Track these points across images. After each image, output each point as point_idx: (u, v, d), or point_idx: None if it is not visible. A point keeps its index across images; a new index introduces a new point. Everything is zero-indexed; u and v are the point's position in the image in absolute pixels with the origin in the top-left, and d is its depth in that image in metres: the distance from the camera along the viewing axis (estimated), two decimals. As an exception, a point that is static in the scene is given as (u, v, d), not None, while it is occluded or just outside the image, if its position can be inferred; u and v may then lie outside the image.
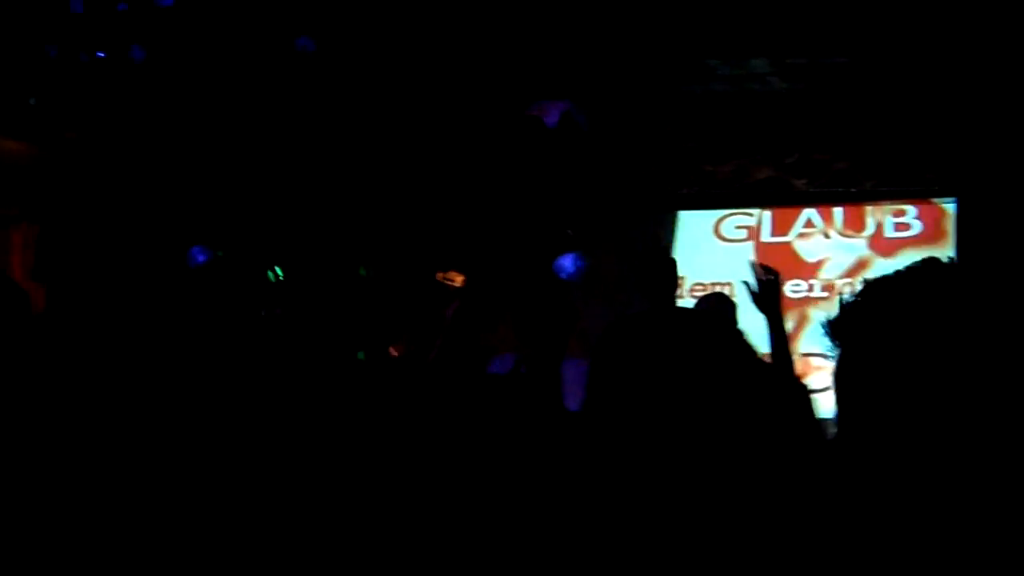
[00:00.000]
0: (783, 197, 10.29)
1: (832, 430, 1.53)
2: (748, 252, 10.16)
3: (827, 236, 10.14)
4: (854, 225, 10.08)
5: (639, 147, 10.29)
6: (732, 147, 10.24)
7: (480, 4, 8.61)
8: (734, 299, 7.28)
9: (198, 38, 9.16)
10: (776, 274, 4.97)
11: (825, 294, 9.90)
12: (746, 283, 5.00)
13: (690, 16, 8.54)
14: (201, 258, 9.90)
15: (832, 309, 1.57)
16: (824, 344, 1.52)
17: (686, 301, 8.92)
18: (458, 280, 10.52)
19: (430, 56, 9.20)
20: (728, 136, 10.16)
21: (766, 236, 10.32)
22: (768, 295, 4.86)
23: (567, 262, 9.64)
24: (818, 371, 8.16)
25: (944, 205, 9.88)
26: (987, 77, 8.92)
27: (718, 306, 6.86)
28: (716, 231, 10.40)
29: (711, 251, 10.28)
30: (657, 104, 9.99)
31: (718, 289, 9.22)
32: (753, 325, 4.22)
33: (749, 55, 9.12)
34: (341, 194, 10.22)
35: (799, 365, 5.87)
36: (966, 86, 9.06)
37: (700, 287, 9.89)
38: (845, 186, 10.07)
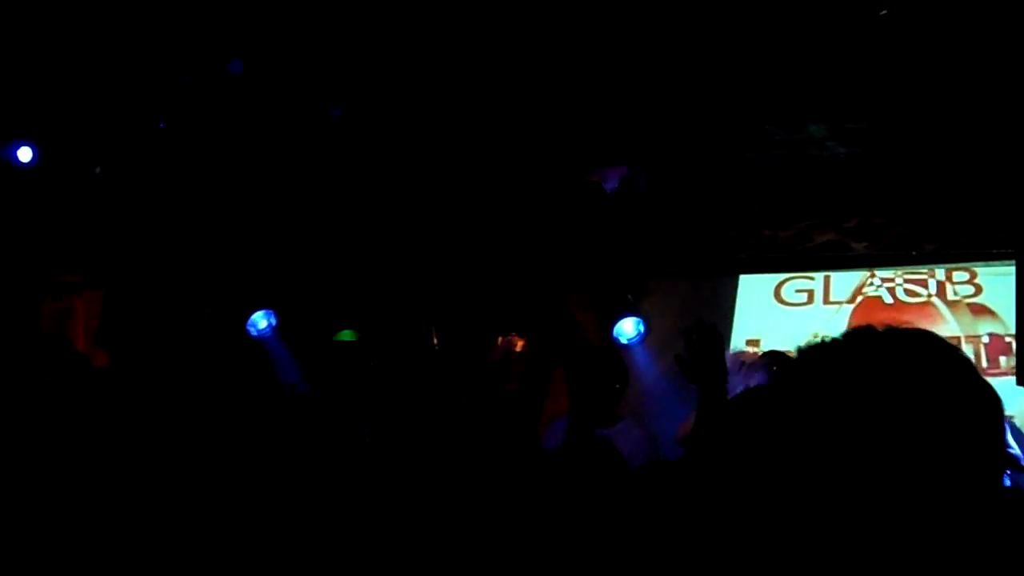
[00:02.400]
0: (844, 261, 10.25)
1: None
2: (809, 316, 10.13)
3: (889, 299, 10.07)
4: (914, 290, 10.02)
5: (698, 211, 10.32)
6: (792, 211, 10.23)
7: (543, 70, 8.68)
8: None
9: (264, 105, 9.29)
10: (715, 332, 4.27)
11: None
12: (679, 356, 4.23)
13: (747, 82, 8.57)
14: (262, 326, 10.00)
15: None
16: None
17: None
18: (519, 344, 10.56)
19: (492, 122, 9.28)
20: (788, 200, 10.16)
21: (825, 300, 10.27)
22: (703, 361, 4.03)
23: (627, 327, 9.64)
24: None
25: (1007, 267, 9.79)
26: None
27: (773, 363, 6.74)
28: (776, 295, 10.36)
29: (772, 315, 10.25)
30: (716, 169, 10.02)
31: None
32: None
33: (807, 121, 9.13)
34: (405, 259, 10.30)
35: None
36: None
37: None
38: (906, 249, 10.03)
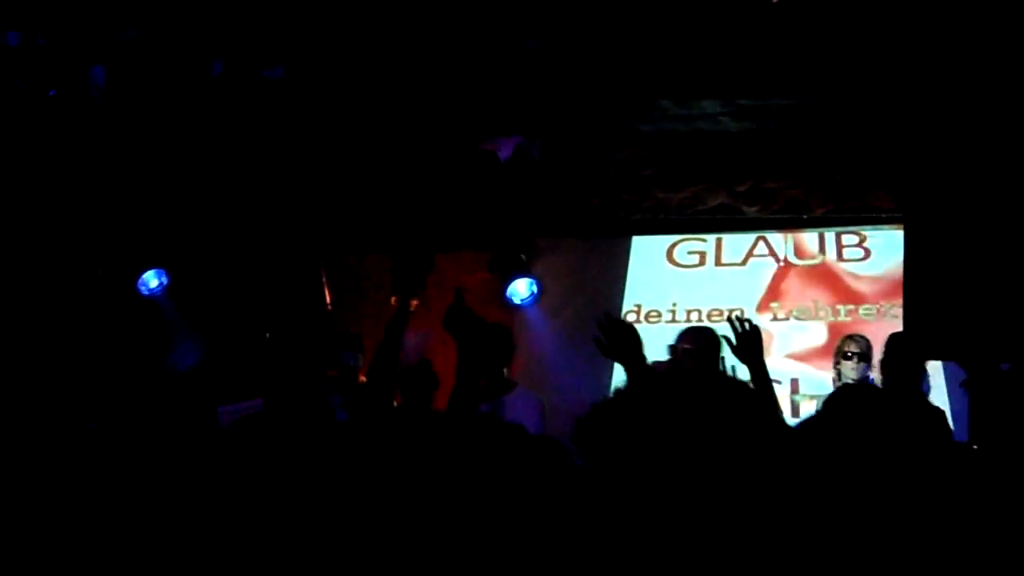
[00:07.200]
0: (735, 223, 10.35)
1: None
2: (701, 278, 10.23)
3: (779, 261, 10.18)
4: (805, 251, 10.14)
5: (592, 176, 10.36)
6: (685, 175, 10.30)
7: (437, 43, 8.66)
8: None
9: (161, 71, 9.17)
10: (754, 324, 4.97)
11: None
12: (726, 337, 5.02)
13: (642, 59, 8.62)
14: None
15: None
16: None
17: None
18: (414, 304, 10.56)
19: (389, 93, 9.24)
20: (680, 166, 10.22)
21: (717, 262, 10.36)
22: (748, 345, 4.86)
23: (521, 287, 9.66)
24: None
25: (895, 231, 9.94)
26: (931, 108, 9.01)
27: (704, 345, 6.74)
28: (669, 257, 10.43)
29: (664, 277, 10.33)
30: (610, 141, 10.05)
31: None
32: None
33: (700, 96, 9.20)
34: (300, 221, 10.25)
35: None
36: (914, 117, 9.15)
37: (655, 314, 9.98)
38: (796, 213, 10.15)
